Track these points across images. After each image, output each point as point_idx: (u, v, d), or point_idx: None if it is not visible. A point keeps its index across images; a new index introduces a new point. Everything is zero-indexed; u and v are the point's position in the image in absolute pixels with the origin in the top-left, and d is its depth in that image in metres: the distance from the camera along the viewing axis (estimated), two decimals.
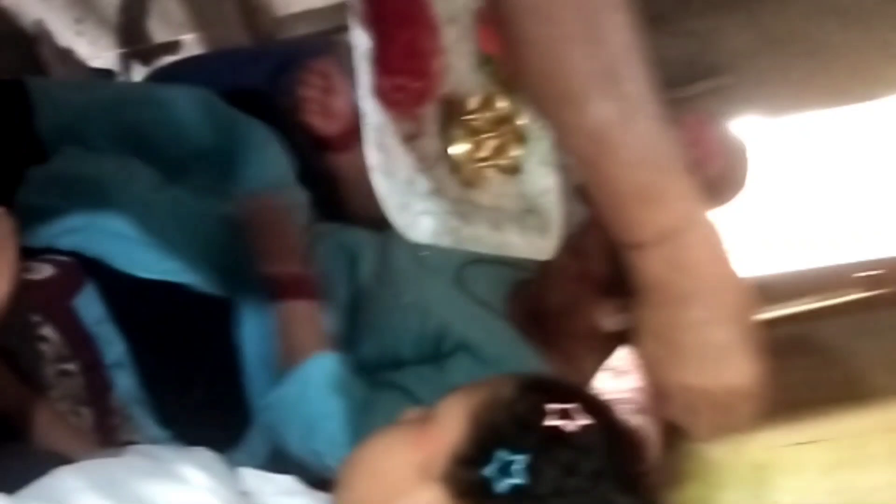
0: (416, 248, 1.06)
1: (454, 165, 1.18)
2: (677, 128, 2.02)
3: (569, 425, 0.92)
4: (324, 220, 1.88)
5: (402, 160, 1.10)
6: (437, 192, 1.15)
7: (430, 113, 1.17)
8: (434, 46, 1.16)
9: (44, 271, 1.54)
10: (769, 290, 2.84)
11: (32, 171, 1.67)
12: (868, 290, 2.83)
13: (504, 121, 1.20)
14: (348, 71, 2.20)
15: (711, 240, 0.90)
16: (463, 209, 1.16)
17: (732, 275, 0.92)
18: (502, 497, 0.90)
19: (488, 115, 1.20)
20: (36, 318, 1.44)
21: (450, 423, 0.96)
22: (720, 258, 0.91)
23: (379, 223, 1.76)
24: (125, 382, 1.58)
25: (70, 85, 1.91)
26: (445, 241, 1.10)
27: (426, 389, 1.52)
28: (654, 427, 2.21)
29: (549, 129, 0.91)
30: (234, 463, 1.04)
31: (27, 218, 1.46)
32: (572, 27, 0.82)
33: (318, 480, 1.06)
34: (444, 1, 1.18)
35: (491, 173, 1.22)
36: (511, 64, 0.87)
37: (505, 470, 0.90)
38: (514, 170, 1.22)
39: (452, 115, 1.20)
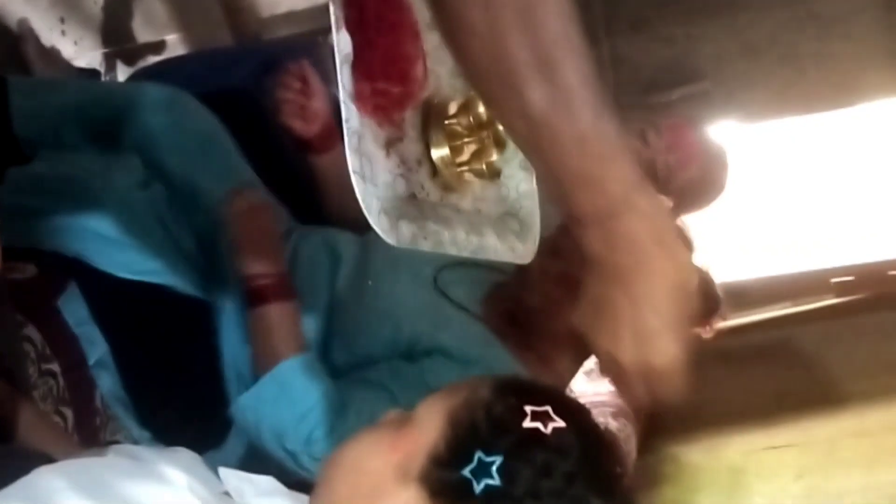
0: (395, 250, 1.06)
1: (434, 170, 1.19)
2: (656, 132, 2.05)
3: (544, 427, 0.94)
4: (304, 222, 1.89)
5: (383, 165, 1.10)
6: (418, 196, 1.16)
7: (410, 118, 1.17)
8: (415, 52, 1.16)
9: (27, 271, 1.54)
10: (745, 296, 2.87)
11: (12, 171, 1.67)
12: (841, 296, 2.86)
13: (484, 126, 1.21)
14: (330, 72, 2.23)
15: (651, 223, 0.92)
16: (443, 213, 1.16)
17: (672, 258, 0.94)
18: (478, 497, 0.91)
19: (468, 120, 1.20)
20: (20, 318, 1.44)
21: (428, 425, 0.97)
22: (660, 241, 0.93)
23: (358, 225, 1.78)
24: (108, 383, 1.59)
25: (49, 84, 1.90)
26: (425, 246, 1.10)
27: (401, 384, 1.53)
28: (631, 429, 2.23)
29: (490, 113, 0.93)
30: (215, 463, 1.04)
31: (8, 218, 1.46)
32: (509, 15, 0.84)
33: (297, 481, 1.07)
34: (425, 7, 1.18)
35: (471, 178, 1.22)
36: (452, 51, 0.90)
37: (481, 471, 0.91)
38: (493, 174, 1.23)
39: (433, 120, 1.20)
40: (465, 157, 1.20)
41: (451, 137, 1.20)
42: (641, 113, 2.70)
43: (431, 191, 1.19)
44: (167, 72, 2.29)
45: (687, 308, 0.96)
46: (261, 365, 1.56)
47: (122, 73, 2.57)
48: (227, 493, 0.99)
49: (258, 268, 1.59)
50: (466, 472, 0.92)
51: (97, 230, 1.63)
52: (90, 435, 1.52)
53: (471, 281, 1.68)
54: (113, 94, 1.86)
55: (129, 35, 2.64)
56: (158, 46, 2.70)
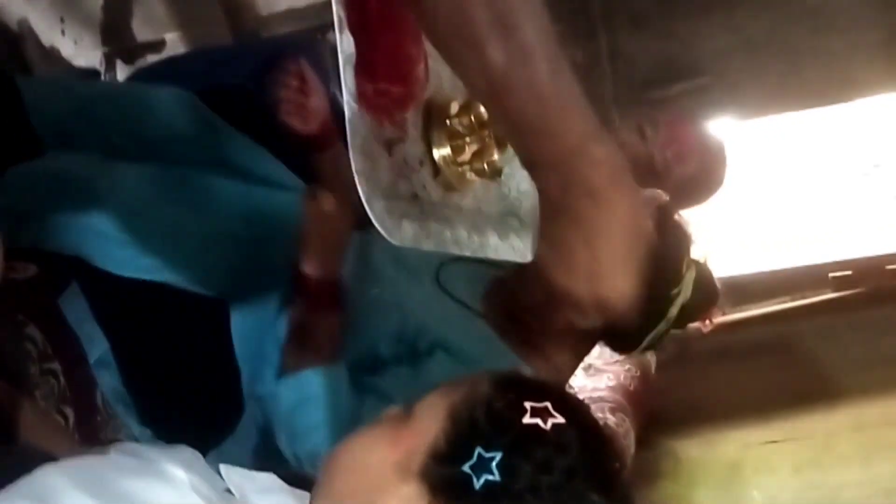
0: (396, 247, 1.07)
1: (436, 169, 1.19)
2: (654, 127, 2.06)
3: (544, 423, 0.95)
4: None
5: (385, 164, 1.11)
6: (420, 195, 1.16)
7: (412, 118, 1.18)
8: (416, 52, 1.17)
9: (28, 271, 1.55)
10: (743, 290, 2.88)
11: (12, 170, 1.68)
12: (839, 290, 2.86)
13: (485, 125, 1.21)
14: (329, 70, 2.23)
15: (606, 168, 0.96)
16: (445, 213, 1.17)
17: (625, 201, 0.99)
18: (478, 493, 0.92)
19: (469, 119, 1.21)
20: (21, 317, 1.45)
21: (428, 421, 0.98)
22: (615, 185, 0.97)
23: (359, 221, 1.79)
24: (109, 381, 1.60)
25: (58, 84, 1.91)
26: (428, 245, 1.11)
27: (405, 394, 1.53)
28: (630, 424, 2.24)
29: (450, 67, 0.96)
30: (216, 460, 1.05)
31: (8, 217, 1.47)
32: None
33: (298, 478, 1.07)
34: None
35: (472, 177, 1.23)
36: (415, 12, 0.94)
37: (481, 467, 0.92)
38: (494, 173, 1.23)
39: (434, 120, 1.21)
40: (466, 156, 1.21)
41: (453, 137, 1.21)
42: (640, 108, 2.71)
43: (433, 190, 1.20)
44: (167, 71, 2.30)
45: (637, 246, 1.01)
46: (290, 363, 1.56)
47: (122, 72, 2.58)
48: (228, 491, 1.00)
49: (319, 270, 1.59)
50: (466, 467, 0.93)
51: (96, 228, 1.63)
52: (91, 433, 1.52)
53: (471, 277, 1.68)
54: (121, 94, 1.87)
55: (128, 34, 2.64)
56: (158, 45, 2.70)
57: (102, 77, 2.50)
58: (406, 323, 1.62)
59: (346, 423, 1.49)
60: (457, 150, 1.21)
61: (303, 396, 1.52)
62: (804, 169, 3.84)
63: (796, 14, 2.78)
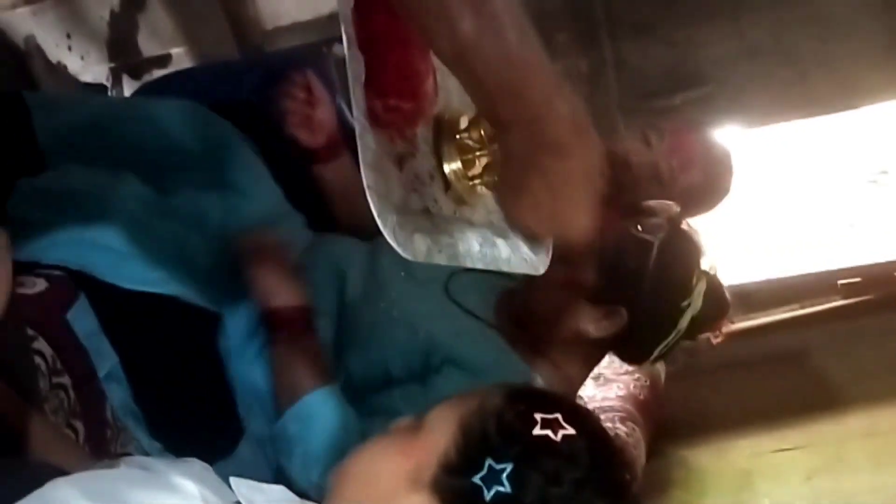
0: (404, 258, 1.07)
1: (447, 184, 1.20)
2: (659, 136, 2.06)
3: (554, 435, 0.95)
4: (313, 230, 1.90)
5: (396, 180, 1.11)
6: (431, 210, 1.17)
7: (422, 133, 1.18)
8: (425, 68, 1.17)
9: (37, 285, 1.55)
10: (752, 299, 2.87)
11: (20, 184, 1.68)
12: (848, 297, 2.86)
13: (494, 139, 1.22)
14: (335, 82, 2.24)
15: (570, 121, 0.99)
16: (457, 226, 1.17)
17: (586, 149, 1.02)
18: None
19: (479, 133, 1.21)
20: (30, 331, 1.45)
21: (439, 432, 0.98)
22: (577, 135, 1.00)
23: (366, 231, 1.79)
24: (118, 395, 1.60)
25: (66, 99, 1.92)
26: (440, 259, 1.11)
27: (415, 411, 1.53)
28: (640, 434, 2.24)
29: (420, 35, 0.98)
30: (226, 472, 1.05)
31: (14, 231, 1.47)
32: None
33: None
34: None
35: (483, 190, 1.23)
36: None
37: (491, 478, 0.93)
38: None
39: (444, 135, 1.21)
40: (476, 170, 1.21)
41: (463, 151, 1.21)
42: (645, 117, 2.71)
43: (444, 204, 1.20)
44: (173, 85, 2.31)
45: (596, 187, 1.05)
46: (284, 399, 1.56)
47: (129, 86, 2.59)
48: (238, 503, 1.00)
49: (276, 304, 1.59)
50: (477, 479, 0.93)
51: (102, 242, 1.64)
52: (101, 447, 1.52)
53: (482, 288, 1.69)
54: (130, 108, 1.88)
55: (134, 49, 2.66)
56: (164, 60, 2.72)
57: (109, 92, 2.51)
58: (415, 339, 1.62)
59: (359, 440, 1.49)
60: (467, 165, 1.21)
61: (308, 421, 1.52)
62: (811, 176, 3.84)
63: (801, 22, 2.78)
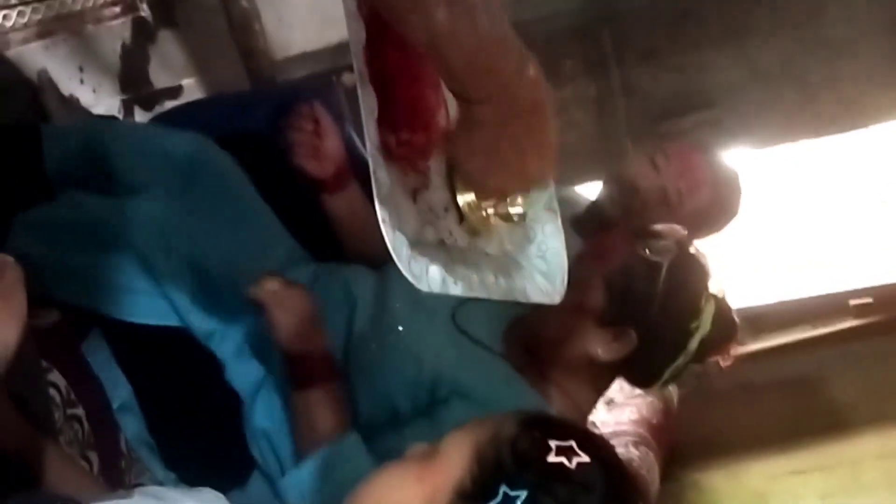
0: (412, 287, 1.08)
1: (461, 215, 1.21)
2: (665, 158, 2.06)
3: (569, 462, 0.95)
4: (323, 259, 1.91)
5: (411, 212, 1.12)
6: (446, 242, 1.17)
7: (435, 165, 1.19)
8: (436, 101, 1.18)
9: (50, 317, 1.56)
10: (763, 321, 2.86)
11: (22, 216, 1.69)
12: (860, 318, 2.85)
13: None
14: (344, 110, 2.25)
15: (535, 85, 1.01)
16: (471, 258, 1.17)
17: (548, 106, 1.04)
18: None
19: None
20: (45, 364, 1.46)
21: (454, 459, 0.98)
22: (547, 93, 1.03)
23: (375, 260, 1.80)
24: (132, 426, 1.60)
25: (78, 129, 1.93)
26: (455, 290, 1.11)
27: None
28: (654, 458, 2.23)
29: (395, 24, 1.00)
30: (240, 502, 1.05)
31: (22, 266, 1.48)
32: None
33: None
34: None
35: (496, 221, 1.24)
36: None
37: None
38: (519, 217, 1.24)
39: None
40: (490, 201, 1.22)
41: None
42: (654, 141, 2.72)
43: (459, 236, 1.21)
44: (184, 116, 2.32)
45: (555, 129, 1.08)
46: (304, 446, 1.55)
47: (140, 118, 2.60)
48: None
49: (302, 348, 1.57)
50: None
51: (106, 278, 1.65)
52: (115, 478, 1.53)
53: (490, 316, 1.69)
54: (137, 136, 1.89)
55: (146, 81, 2.67)
56: (175, 91, 2.74)
57: None
58: (422, 371, 1.62)
59: None
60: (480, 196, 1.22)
61: (329, 469, 1.50)
62: (821, 197, 3.83)
63: (808, 44, 2.79)
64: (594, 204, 2.17)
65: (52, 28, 2.32)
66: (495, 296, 1.18)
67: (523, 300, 1.25)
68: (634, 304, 1.57)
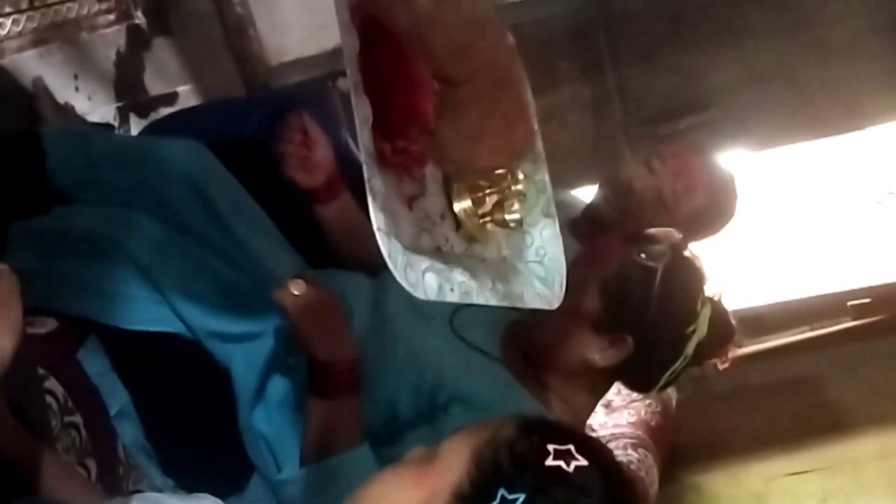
0: (409, 294, 1.07)
1: (458, 222, 1.21)
2: (661, 160, 2.07)
3: (567, 466, 0.95)
4: (319, 266, 1.91)
5: (407, 220, 1.12)
6: (443, 249, 1.17)
7: (431, 173, 1.19)
8: (431, 107, 1.18)
9: (47, 325, 1.56)
10: (761, 322, 2.87)
11: (17, 226, 1.69)
12: (858, 318, 2.85)
13: (503, 177, 1.22)
14: (340, 115, 2.25)
15: (507, 55, 1.02)
16: (468, 264, 1.17)
17: (521, 76, 1.06)
18: None
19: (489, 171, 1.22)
20: (41, 371, 1.45)
21: (452, 463, 0.98)
22: (515, 57, 1.04)
23: (370, 268, 1.80)
24: (130, 433, 1.60)
25: (79, 136, 1.93)
26: (452, 297, 1.11)
27: None
28: (653, 460, 2.23)
29: (379, 14, 1.01)
30: None
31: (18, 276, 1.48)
32: None
33: None
34: None
35: (494, 228, 1.24)
36: None
37: None
38: (516, 223, 1.24)
39: None
40: (486, 208, 1.22)
41: (473, 189, 1.22)
42: (650, 144, 2.72)
43: (456, 243, 1.21)
44: (180, 123, 2.32)
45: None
46: (314, 451, 1.53)
47: (136, 125, 2.60)
48: None
49: (330, 355, 1.54)
50: None
51: (100, 288, 1.65)
52: (113, 485, 1.53)
53: (487, 321, 1.69)
54: (134, 148, 1.89)
55: (141, 88, 2.67)
56: (171, 98, 2.74)
57: (117, 131, 2.52)
58: (422, 377, 1.62)
59: None
60: (477, 203, 1.22)
61: (332, 479, 1.49)
62: (819, 198, 3.84)
63: (803, 45, 2.79)
64: (590, 206, 2.17)
65: (46, 36, 2.32)
66: (493, 302, 1.18)
67: (521, 306, 1.25)
68: (630, 310, 1.57)
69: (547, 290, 1.29)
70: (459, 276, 1.13)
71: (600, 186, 2.18)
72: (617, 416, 2.34)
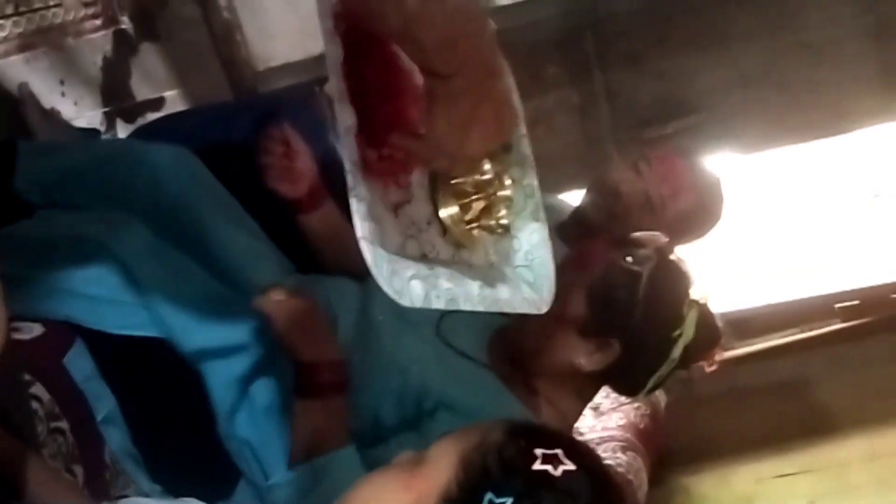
0: (396, 301, 1.07)
1: (444, 229, 1.20)
2: (647, 163, 2.07)
3: (554, 470, 0.95)
4: (307, 271, 1.90)
5: (392, 227, 1.12)
6: (429, 255, 1.17)
7: (418, 179, 1.19)
8: (418, 115, 1.18)
9: (34, 330, 1.55)
10: (749, 325, 2.88)
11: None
12: (846, 321, 2.86)
13: (490, 183, 1.22)
14: (328, 121, 2.25)
15: (490, 44, 1.05)
16: (455, 270, 1.17)
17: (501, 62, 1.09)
18: None
19: (475, 178, 1.22)
20: (27, 377, 1.45)
21: (440, 466, 0.98)
22: (496, 49, 1.07)
23: (356, 274, 1.79)
24: (117, 438, 1.59)
25: (57, 146, 1.93)
26: (438, 304, 1.11)
27: None
28: (641, 462, 2.24)
29: (367, 17, 1.02)
30: None
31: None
32: None
33: None
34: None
35: (481, 233, 1.24)
36: None
37: None
38: (503, 228, 1.24)
39: (440, 180, 1.22)
40: (473, 214, 1.22)
41: (459, 196, 1.22)
42: (638, 147, 2.72)
43: (442, 249, 1.20)
44: (167, 128, 2.32)
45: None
46: (301, 452, 1.53)
47: (123, 130, 2.60)
48: None
49: (315, 357, 1.54)
50: None
51: (83, 291, 1.64)
52: (100, 490, 1.52)
53: (474, 327, 1.68)
54: (117, 153, 1.88)
55: (128, 93, 2.67)
56: (158, 103, 2.73)
57: (103, 136, 2.52)
58: (408, 384, 1.62)
59: None
60: (464, 209, 1.22)
61: (319, 479, 1.49)
62: (806, 201, 3.85)
63: (790, 48, 2.80)
64: (578, 210, 2.17)
65: (32, 41, 2.31)
66: (480, 308, 1.18)
67: (509, 311, 1.25)
68: (616, 314, 1.57)
69: (535, 295, 1.28)
70: (446, 282, 1.13)
71: (587, 190, 2.18)
72: (606, 420, 2.35)
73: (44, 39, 2.36)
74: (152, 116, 2.67)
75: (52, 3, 2.38)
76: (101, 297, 1.64)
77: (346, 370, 1.58)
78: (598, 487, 0.97)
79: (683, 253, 1.70)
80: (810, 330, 2.89)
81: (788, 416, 2.49)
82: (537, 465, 0.95)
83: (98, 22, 2.57)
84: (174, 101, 2.75)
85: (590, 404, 1.79)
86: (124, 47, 2.66)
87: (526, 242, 1.32)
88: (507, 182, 1.22)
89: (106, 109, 2.56)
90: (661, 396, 2.45)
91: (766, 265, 3.74)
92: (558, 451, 0.97)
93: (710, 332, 1.64)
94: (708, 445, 2.46)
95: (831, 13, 2.76)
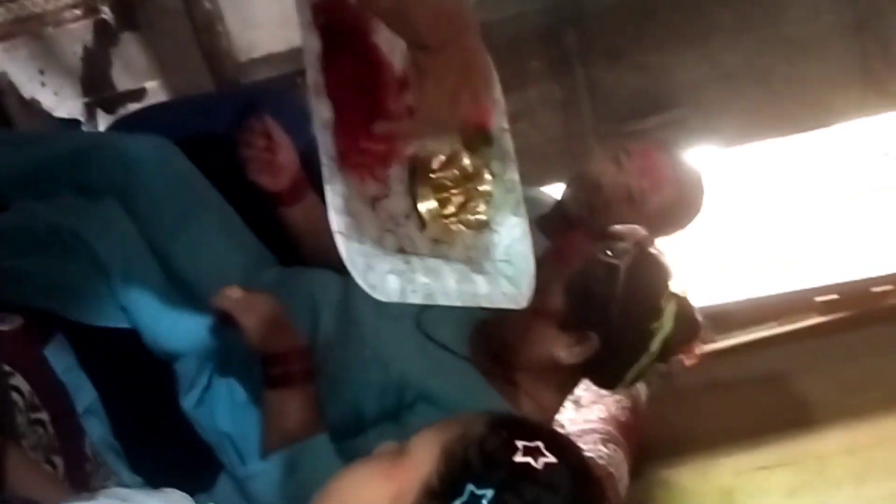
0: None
1: (423, 223, 1.20)
2: (628, 156, 2.08)
3: (535, 462, 0.95)
4: (288, 263, 1.90)
5: (369, 221, 1.11)
6: (407, 250, 1.17)
7: (396, 173, 1.19)
8: (398, 108, 1.18)
9: (14, 322, 1.55)
10: (729, 318, 2.89)
11: None
12: (826, 314, 2.87)
13: (470, 177, 1.22)
14: (309, 112, 2.25)
15: (474, 25, 1.08)
16: (432, 265, 1.17)
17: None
18: None
19: (454, 172, 1.22)
20: (7, 368, 1.44)
21: (422, 458, 0.98)
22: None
23: (338, 266, 1.79)
24: (97, 429, 1.59)
25: (36, 136, 1.92)
26: (415, 299, 1.11)
27: None
28: (622, 455, 2.24)
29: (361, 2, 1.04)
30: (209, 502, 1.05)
31: None
32: None
33: None
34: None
35: (459, 228, 1.24)
36: None
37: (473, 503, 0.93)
38: (482, 223, 1.24)
39: (419, 174, 1.22)
40: (452, 208, 1.22)
41: (438, 190, 1.22)
42: (619, 141, 2.73)
43: (421, 243, 1.20)
44: (148, 119, 2.31)
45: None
46: (272, 443, 1.53)
47: (103, 121, 2.59)
48: None
49: (273, 351, 1.55)
50: None
51: (62, 281, 1.64)
52: (81, 482, 1.52)
53: (455, 320, 1.68)
54: (97, 144, 1.87)
55: (108, 83, 2.66)
56: (138, 94, 2.72)
57: (84, 127, 2.51)
58: (388, 377, 1.62)
59: None
60: (443, 203, 1.22)
61: (296, 468, 1.49)
62: (786, 195, 3.87)
63: (770, 43, 2.81)
64: (559, 203, 2.18)
65: (11, 31, 2.30)
66: (457, 303, 1.18)
67: (488, 305, 1.25)
68: (594, 308, 1.57)
69: (514, 290, 1.28)
70: (422, 277, 1.13)
71: (568, 183, 2.19)
72: (587, 412, 2.35)
73: (23, 29, 2.35)
74: (133, 107, 2.66)
75: None
76: (79, 289, 1.63)
77: (312, 357, 1.58)
78: (578, 480, 0.98)
79: (663, 246, 1.71)
80: (790, 324, 2.91)
81: (768, 409, 2.50)
82: (518, 458, 0.95)
83: (78, 11, 2.56)
84: (155, 92, 2.74)
85: (571, 397, 1.79)
86: (105, 37, 2.65)
87: (506, 237, 1.32)
88: (488, 177, 1.22)
89: (86, 100, 2.55)
90: (642, 389, 2.46)
91: (745, 259, 3.75)
92: (539, 444, 0.97)
93: (689, 325, 1.65)
94: (688, 438, 2.46)
95: (812, 8, 2.77)
